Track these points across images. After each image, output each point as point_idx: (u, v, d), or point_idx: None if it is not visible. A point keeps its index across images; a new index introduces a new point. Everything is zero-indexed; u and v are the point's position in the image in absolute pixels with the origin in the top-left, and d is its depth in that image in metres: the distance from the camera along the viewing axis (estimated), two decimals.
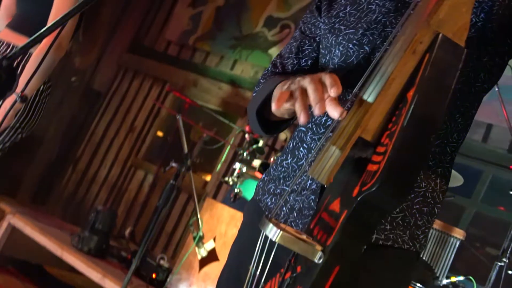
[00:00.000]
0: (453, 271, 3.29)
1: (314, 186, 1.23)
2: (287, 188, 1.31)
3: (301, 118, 1.00)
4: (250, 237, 1.29)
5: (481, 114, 4.62)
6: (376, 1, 1.28)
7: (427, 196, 1.22)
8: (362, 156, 0.99)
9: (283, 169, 1.35)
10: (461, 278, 3.19)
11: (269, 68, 1.49)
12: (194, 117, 5.08)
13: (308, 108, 1.02)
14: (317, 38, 1.41)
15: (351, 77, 1.18)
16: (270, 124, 1.34)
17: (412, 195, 1.20)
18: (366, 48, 1.23)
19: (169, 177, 3.36)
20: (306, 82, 1.02)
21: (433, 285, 3.16)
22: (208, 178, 5.53)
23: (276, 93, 1.16)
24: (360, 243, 0.95)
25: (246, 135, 3.81)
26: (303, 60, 1.42)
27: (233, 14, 5.99)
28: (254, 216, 1.38)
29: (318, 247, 0.94)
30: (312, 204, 1.22)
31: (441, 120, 0.91)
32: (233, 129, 4.68)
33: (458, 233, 3.19)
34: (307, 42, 1.41)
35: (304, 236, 1.00)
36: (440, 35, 0.92)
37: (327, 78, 1.00)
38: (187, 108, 4.30)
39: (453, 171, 3.18)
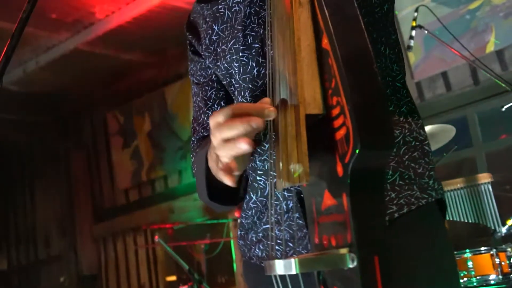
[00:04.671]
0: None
1: (291, 204, 1.09)
2: (268, 226, 1.16)
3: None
4: None
5: (430, 69, 4.62)
6: (235, 2, 1.22)
7: (409, 140, 1.13)
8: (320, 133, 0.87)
9: (253, 211, 1.20)
10: None
11: (193, 138, 1.36)
12: (188, 238, 4.91)
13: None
14: (213, 77, 1.31)
15: (263, 77, 1.12)
16: (231, 195, 1.20)
17: (394, 149, 1.11)
18: (256, 45, 1.17)
19: None
20: (215, 135, 0.90)
21: (495, 239, 2.94)
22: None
23: (215, 170, 1.04)
24: (380, 217, 0.80)
25: (239, 220, 3.60)
26: (215, 106, 1.31)
27: (165, 130, 5.99)
28: (254, 276, 1.24)
29: (344, 250, 0.78)
30: (300, 222, 1.08)
31: (369, 46, 0.81)
32: (226, 225, 4.53)
33: (484, 178, 3.02)
34: (207, 88, 1.31)
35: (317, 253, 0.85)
36: None
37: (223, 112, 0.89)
38: (172, 233, 4.13)
39: (441, 124, 3.05)
